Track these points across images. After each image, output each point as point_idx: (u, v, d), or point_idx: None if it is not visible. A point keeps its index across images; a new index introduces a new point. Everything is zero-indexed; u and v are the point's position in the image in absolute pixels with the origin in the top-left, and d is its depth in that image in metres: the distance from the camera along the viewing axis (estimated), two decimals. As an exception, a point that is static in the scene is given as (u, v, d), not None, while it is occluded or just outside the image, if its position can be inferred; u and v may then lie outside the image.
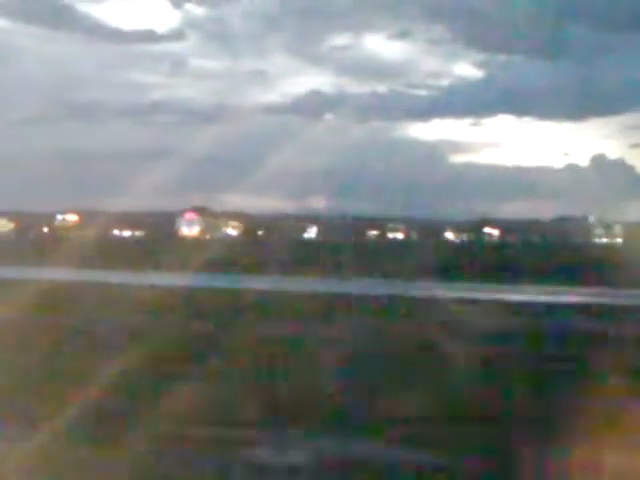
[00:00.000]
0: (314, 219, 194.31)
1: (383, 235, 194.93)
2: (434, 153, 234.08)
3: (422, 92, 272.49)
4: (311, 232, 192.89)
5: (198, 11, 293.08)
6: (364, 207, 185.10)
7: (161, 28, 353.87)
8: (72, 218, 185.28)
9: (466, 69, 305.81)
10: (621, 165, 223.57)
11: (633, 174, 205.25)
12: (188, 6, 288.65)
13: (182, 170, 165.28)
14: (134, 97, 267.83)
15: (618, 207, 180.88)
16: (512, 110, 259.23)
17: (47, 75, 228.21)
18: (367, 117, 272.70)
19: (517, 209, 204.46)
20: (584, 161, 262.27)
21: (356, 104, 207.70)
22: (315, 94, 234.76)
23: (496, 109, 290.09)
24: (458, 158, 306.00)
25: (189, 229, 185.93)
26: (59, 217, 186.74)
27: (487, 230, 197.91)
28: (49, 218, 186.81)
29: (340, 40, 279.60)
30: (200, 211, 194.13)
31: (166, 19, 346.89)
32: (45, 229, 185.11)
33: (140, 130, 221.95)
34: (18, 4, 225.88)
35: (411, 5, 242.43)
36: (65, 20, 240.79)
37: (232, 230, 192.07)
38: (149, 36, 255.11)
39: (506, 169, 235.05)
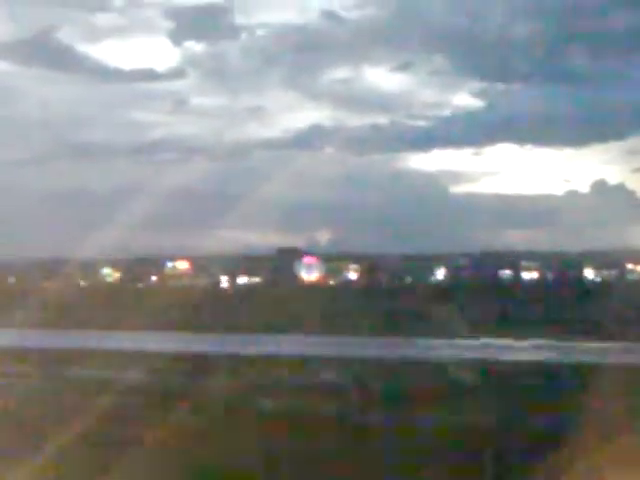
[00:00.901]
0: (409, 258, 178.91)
1: (517, 275, 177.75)
2: (439, 184, 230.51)
3: (423, 123, 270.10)
4: (439, 274, 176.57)
5: (198, 48, 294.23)
6: (370, 241, 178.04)
7: (161, 66, 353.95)
8: (183, 265, 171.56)
9: (466, 99, 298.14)
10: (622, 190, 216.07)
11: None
12: (188, 44, 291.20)
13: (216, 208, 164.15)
14: (135, 136, 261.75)
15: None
16: (513, 138, 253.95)
17: (49, 116, 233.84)
18: (369, 149, 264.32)
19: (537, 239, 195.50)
20: (585, 187, 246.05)
21: (357, 137, 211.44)
22: (316, 128, 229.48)
23: (498, 138, 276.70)
24: (462, 188, 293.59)
25: (309, 274, 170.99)
26: (169, 264, 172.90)
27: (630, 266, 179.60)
28: (157, 265, 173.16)
29: (340, 73, 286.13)
30: (293, 253, 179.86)
31: (166, 57, 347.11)
32: (153, 277, 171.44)
33: (144, 168, 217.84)
34: (19, 47, 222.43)
35: (410, 36, 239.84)
36: (65, 61, 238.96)
37: (353, 273, 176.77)
38: (149, 75, 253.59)
39: (523, 197, 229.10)
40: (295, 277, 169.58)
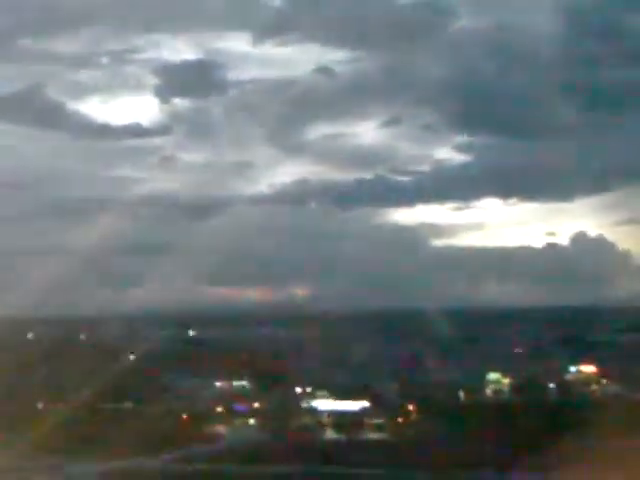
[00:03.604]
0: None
1: None
2: (421, 237, 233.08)
3: (409, 178, 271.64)
4: None
5: (185, 105, 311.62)
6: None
7: (148, 122, 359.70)
8: (589, 369, 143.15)
9: (451, 153, 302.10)
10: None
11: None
12: (176, 100, 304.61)
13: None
14: (121, 191, 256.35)
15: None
16: (498, 193, 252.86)
17: (34, 173, 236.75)
18: (356, 204, 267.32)
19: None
20: (566, 240, 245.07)
21: (343, 191, 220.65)
22: (301, 183, 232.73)
23: (483, 192, 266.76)
24: (444, 242, 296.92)
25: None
26: (572, 369, 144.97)
27: None
28: (552, 371, 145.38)
29: (328, 128, 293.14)
30: None
31: (153, 114, 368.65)
32: (551, 385, 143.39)
33: (135, 224, 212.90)
34: (5, 104, 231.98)
35: (397, 91, 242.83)
36: (55, 119, 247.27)
37: None
38: (136, 131, 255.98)
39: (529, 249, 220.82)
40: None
